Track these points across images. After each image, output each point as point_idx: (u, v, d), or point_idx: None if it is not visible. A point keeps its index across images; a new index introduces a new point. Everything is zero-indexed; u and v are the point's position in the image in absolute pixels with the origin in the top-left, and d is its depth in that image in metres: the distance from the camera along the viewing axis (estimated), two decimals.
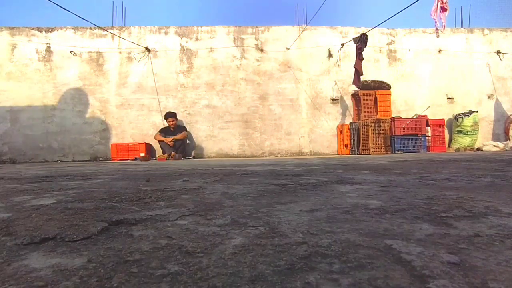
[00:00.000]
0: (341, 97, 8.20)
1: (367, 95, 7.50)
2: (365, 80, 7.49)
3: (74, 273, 0.59)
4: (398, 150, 7.17)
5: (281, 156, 7.87)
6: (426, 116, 7.71)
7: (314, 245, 0.71)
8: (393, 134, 7.24)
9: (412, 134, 7.29)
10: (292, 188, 1.64)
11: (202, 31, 8.06)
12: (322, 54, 8.21)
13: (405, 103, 8.30)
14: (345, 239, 0.75)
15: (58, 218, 1.03)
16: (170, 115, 7.39)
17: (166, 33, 7.99)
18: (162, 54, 7.95)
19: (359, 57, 7.06)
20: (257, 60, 8.11)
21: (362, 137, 7.15)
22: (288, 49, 8.12)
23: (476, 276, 0.54)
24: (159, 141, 7.39)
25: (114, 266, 0.62)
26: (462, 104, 8.33)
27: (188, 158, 7.44)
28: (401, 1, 5.75)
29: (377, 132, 6.97)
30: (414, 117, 7.69)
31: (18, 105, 7.57)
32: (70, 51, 7.69)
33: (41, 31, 7.72)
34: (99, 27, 7.58)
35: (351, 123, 7.68)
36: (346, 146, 7.71)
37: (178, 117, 7.65)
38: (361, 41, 7.02)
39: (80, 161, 7.50)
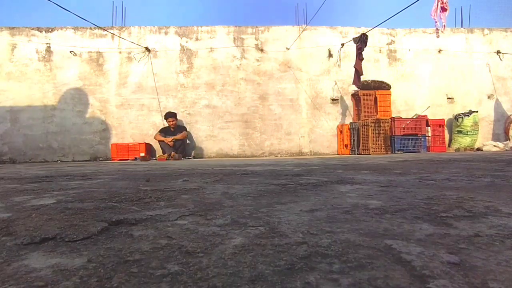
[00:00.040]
0: (341, 97, 8.20)
1: (367, 95, 7.50)
2: (365, 80, 7.50)
3: (74, 273, 0.59)
4: (398, 150, 7.17)
5: (281, 156, 7.87)
6: (426, 116, 7.71)
7: (314, 245, 0.71)
8: (393, 134, 7.24)
9: (412, 134, 7.29)
10: (292, 188, 1.64)
11: (202, 31, 8.06)
12: (322, 54, 8.21)
13: (405, 103, 8.30)
14: (345, 239, 0.75)
15: (58, 218, 1.03)
16: (170, 115, 7.39)
17: (166, 33, 7.99)
18: (162, 54, 7.95)
19: (359, 57, 7.06)
20: (257, 60, 8.11)
21: (362, 137, 7.15)
22: (288, 49, 8.12)
23: (476, 276, 0.54)
24: (159, 141, 7.39)
25: (114, 266, 0.62)
26: (462, 104, 8.34)
27: (188, 158, 7.44)
28: (401, 1, 5.75)
29: (377, 132, 6.97)
30: (414, 117, 7.69)
31: (18, 105, 7.57)
32: (70, 51, 7.69)
33: (41, 31, 7.72)
34: (99, 27, 7.58)
35: (351, 123, 7.68)
36: (346, 146, 7.71)
37: (178, 117, 7.65)
38: (361, 41, 7.02)
39: (80, 161, 7.50)
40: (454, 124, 8.02)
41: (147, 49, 7.85)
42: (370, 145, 6.90)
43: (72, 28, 7.81)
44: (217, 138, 7.96)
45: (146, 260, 0.65)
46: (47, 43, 7.71)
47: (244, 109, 8.01)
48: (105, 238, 0.82)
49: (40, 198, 1.46)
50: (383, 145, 6.99)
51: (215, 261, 0.63)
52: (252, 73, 8.08)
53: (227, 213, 1.08)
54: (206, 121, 7.95)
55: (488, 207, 1.06)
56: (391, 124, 7.26)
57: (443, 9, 6.25)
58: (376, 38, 8.21)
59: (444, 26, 6.44)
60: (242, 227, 0.89)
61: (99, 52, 7.81)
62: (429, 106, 8.16)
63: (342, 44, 8.12)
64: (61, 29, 7.78)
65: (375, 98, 7.49)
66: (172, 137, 7.25)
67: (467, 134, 7.79)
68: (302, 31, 8.08)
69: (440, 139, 7.63)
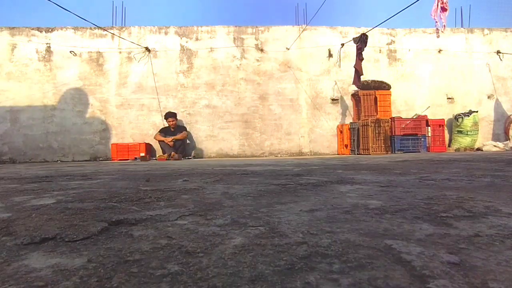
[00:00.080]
0: (341, 97, 8.20)
1: (367, 95, 7.50)
2: (365, 80, 7.50)
3: (74, 273, 0.59)
4: (398, 150, 7.17)
5: (281, 156, 7.87)
6: (426, 116, 7.71)
7: (314, 245, 0.71)
8: (393, 134, 7.24)
9: (412, 134, 7.29)
10: (292, 188, 1.64)
11: (202, 31, 8.06)
12: (322, 54, 8.21)
13: (405, 103, 8.30)
14: (345, 239, 0.75)
15: (58, 218, 1.03)
16: (170, 115, 7.39)
17: (166, 33, 7.99)
18: (162, 54, 7.95)
19: (359, 57, 7.06)
20: (257, 60, 8.11)
21: (362, 137, 7.15)
22: (288, 49, 8.12)
23: (476, 276, 0.54)
24: (159, 141, 7.39)
25: (114, 266, 0.62)
26: (462, 104, 8.34)
27: (188, 158, 7.44)
28: (401, 1, 5.75)
29: (377, 132, 6.97)
30: (414, 117, 7.69)
31: (18, 105, 7.57)
32: (70, 51, 7.69)
33: (41, 31, 7.72)
34: (99, 27, 7.58)
35: (351, 123, 7.68)
36: (346, 146, 7.72)
37: (178, 117, 7.65)
38: (361, 41, 7.02)
39: (80, 161, 7.50)
40: (454, 124, 8.02)
41: (147, 49, 7.85)
42: (370, 145, 6.90)
43: (72, 28, 7.81)
44: (217, 138, 7.96)
45: (146, 260, 0.65)
46: (47, 43, 7.71)
47: (244, 109, 8.01)
48: (105, 238, 0.82)
49: (40, 198, 1.46)
50: (383, 145, 6.99)
51: (215, 261, 0.63)
52: (252, 73, 8.08)
53: (227, 213, 1.08)
54: (206, 121, 7.95)
55: (488, 207, 1.06)
56: (391, 124, 7.26)
57: (443, 9, 6.25)
58: (376, 38, 8.21)
59: (444, 26, 6.45)
60: (242, 227, 0.89)
61: (99, 52, 7.81)
62: (429, 106, 8.16)
63: (342, 44, 8.12)
64: (61, 29, 7.78)
65: (375, 98, 7.49)
66: (172, 137, 7.25)
67: (467, 134, 7.79)
68: (302, 31, 8.08)
69: (440, 139, 7.63)
